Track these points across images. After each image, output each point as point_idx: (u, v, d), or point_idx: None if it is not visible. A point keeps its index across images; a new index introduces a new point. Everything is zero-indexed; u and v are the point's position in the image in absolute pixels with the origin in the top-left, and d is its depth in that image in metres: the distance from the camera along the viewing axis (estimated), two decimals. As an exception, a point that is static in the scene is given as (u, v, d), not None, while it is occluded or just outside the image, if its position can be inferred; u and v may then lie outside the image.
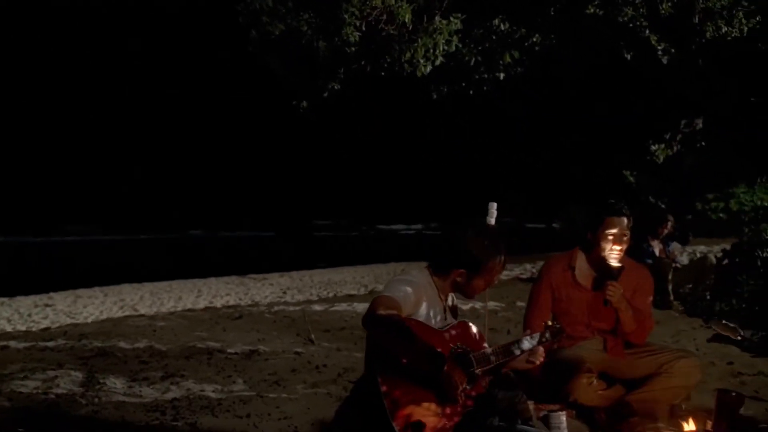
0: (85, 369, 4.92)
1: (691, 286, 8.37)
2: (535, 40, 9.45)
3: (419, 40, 8.34)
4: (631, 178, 9.65)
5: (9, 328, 8.23)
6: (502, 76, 10.21)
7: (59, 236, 33.17)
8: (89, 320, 8.60)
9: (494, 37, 9.26)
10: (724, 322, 6.05)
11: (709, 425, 3.14)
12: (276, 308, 8.15)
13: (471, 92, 10.60)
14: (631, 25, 9.84)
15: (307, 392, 4.46)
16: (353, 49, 8.75)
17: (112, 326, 6.79)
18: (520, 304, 7.88)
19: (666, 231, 8.58)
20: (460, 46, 8.95)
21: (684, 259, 9.15)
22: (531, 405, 3.54)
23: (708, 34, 9.31)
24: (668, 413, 3.50)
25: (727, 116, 9.98)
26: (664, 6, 9.30)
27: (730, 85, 9.65)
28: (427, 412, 2.63)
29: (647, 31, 9.83)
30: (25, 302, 10.91)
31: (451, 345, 2.85)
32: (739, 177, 11.96)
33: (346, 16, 8.11)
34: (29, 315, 9.62)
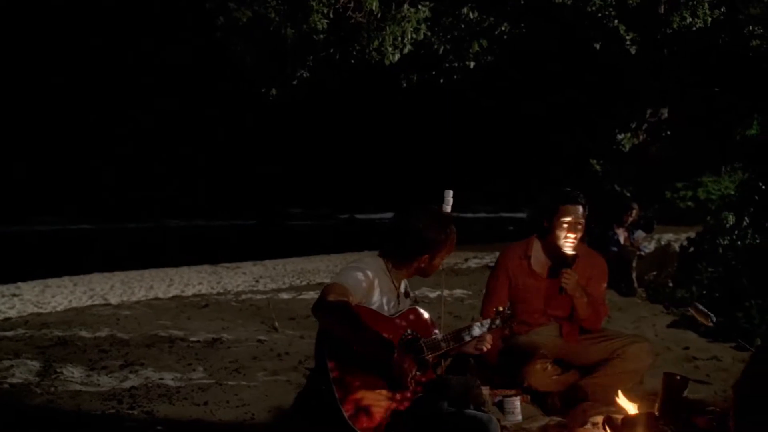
0: (43, 358, 4.87)
1: (655, 273, 8.50)
2: (503, 28, 9.48)
3: (387, 28, 8.31)
4: (598, 167, 9.75)
5: (-28, 319, 8.11)
6: (472, 64, 10.21)
7: (29, 226, 32.74)
8: (58, 309, 8.51)
9: (463, 26, 9.26)
10: (701, 307, 6.12)
11: (655, 408, 3.20)
12: (243, 297, 8.13)
13: (441, 81, 10.59)
14: (599, 14, 9.90)
15: (266, 380, 4.46)
16: (321, 36, 8.70)
17: (75, 315, 6.73)
18: (487, 292, 7.93)
19: (631, 219, 8.69)
20: (429, 34, 8.94)
21: (649, 247, 9.29)
22: (486, 390, 3.60)
23: (675, 24, 9.40)
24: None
25: (692, 106, 10.12)
26: (631, -5, 9.38)
27: (695, 75, 9.77)
28: (377, 398, 2.65)
29: (616, 21, 9.89)
30: (-9, 292, 10.76)
31: (402, 332, 2.87)
32: (704, 166, 12.14)
33: (313, 3, 8.06)
34: (-5, 305, 9.49)
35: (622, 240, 8.51)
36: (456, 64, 10.16)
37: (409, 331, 2.89)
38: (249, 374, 4.60)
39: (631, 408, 3.27)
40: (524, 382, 3.76)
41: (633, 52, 9.92)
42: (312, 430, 2.80)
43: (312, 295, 8.17)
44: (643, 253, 8.57)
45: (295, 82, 9.90)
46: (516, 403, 3.62)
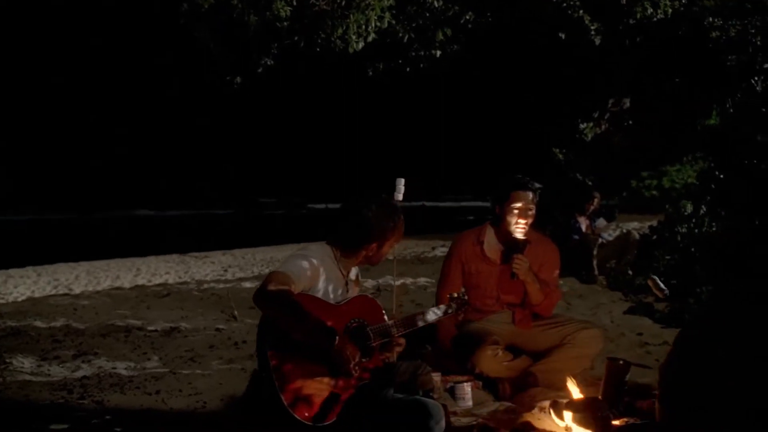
0: (-7, 349, 4.80)
1: (615, 261, 8.61)
2: (468, 17, 9.47)
3: (351, 16, 8.24)
4: (561, 156, 9.86)
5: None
6: (438, 53, 10.18)
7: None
8: (18, 300, 8.36)
9: (428, 14, 9.22)
10: (658, 281, 6.22)
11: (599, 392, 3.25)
12: (206, 286, 8.07)
13: (408, 69, 10.56)
14: (564, 4, 9.94)
15: (221, 368, 4.45)
16: (285, 24, 8.60)
17: (32, 305, 6.64)
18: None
19: (593, 207, 8.78)
20: (394, 22, 8.89)
21: (610, 235, 9.41)
22: (438, 377, 3.62)
23: (638, 15, 9.47)
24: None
25: (654, 96, 10.25)
26: (595, -15, 9.42)
27: (657, 65, 9.88)
28: (318, 386, 2.66)
29: (581, 11, 9.94)
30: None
31: (348, 319, 2.88)
32: (668, 156, 12.31)
33: (276, -10, 7.97)
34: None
35: (584, 228, 8.59)
36: (422, 53, 10.12)
37: (355, 318, 2.90)
38: (204, 363, 4.57)
39: (577, 393, 3.33)
40: (475, 369, 3.80)
41: (597, 42, 9.97)
42: (259, 418, 2.80)
43: (276, 284, 8.12)
44: (604, 241, 8.67)
45: (260, 70, 9.78)
46: (467, 389, 3.66)
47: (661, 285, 6.16)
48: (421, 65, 10.57)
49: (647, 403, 3.22)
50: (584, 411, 3.01)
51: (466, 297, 3.46)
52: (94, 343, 5.04)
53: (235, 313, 6.09)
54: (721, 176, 7.97)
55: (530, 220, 3.89)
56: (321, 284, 2.87)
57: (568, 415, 3.05)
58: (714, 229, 7.38)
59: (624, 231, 8.91)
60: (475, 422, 3.25)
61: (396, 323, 3.06)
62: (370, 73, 10.42)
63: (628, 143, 10.73)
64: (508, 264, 3.85)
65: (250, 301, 7.00)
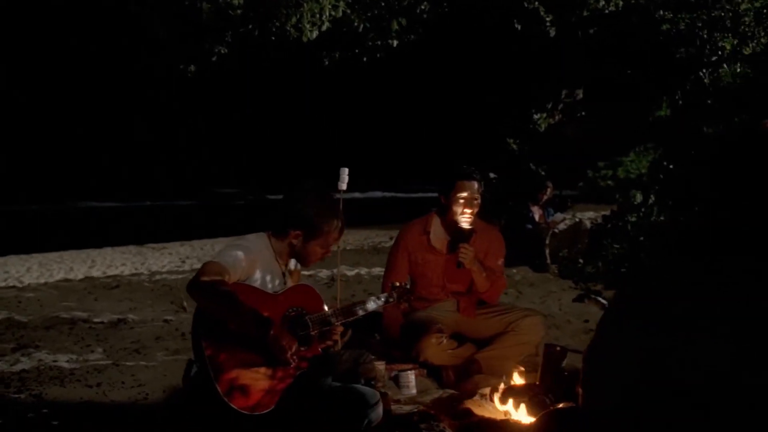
0: (-72, 344, 4.66)
1: (566, 250, 8.74)
2: (423, 7, 9.47)
3: (305, 4, 8.18)
4: (514, 146, 9.95)
5: None
6: (395, 43, 10.17)
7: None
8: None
9: (383, 3, 9.21)
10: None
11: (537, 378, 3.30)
12: (158, 277, 7.96)
13: (365, 59, 10.53)
14: (520, -5, 10.01)
15: (166, 359, 4.39)
16: (239, 12, 8.50)
17: (-26, 299, 6.46)
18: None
19: (546, 197, 8.91)
20: (349, 11, 8.85)
21: (566, 225, 9.54)
22: (382, 365, 3.63)
23: (591, 6, 9.58)
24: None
25: (606, 87, 10.41)
26: (549, -23, 9.51)
27: (609, 57, 10.03)
28: (254, 375, 2.64)
29: (536, 2, 10.03)
30: None
31: (286, 308, 2.85)
32: (623, 146, 12.49)
33: (228, -23, 7.87)
34: None
35: (537, 218, 8.71)
36: (378, 43, 10.10)
37: (293, 308, 2.88)
38: (149, 354, 4.51)
39: (518, 379, 3.37)
40: (420, 357, 3.82)
41: (552, 33, 10.07)
42: (198, 409, 2.77)
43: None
44: (557, 231, 8.80)
45: (214, 59, 9.65)
46: (411, 377, 3.68)
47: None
48: (378, 55, 10.55)
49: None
50: (523, 397, 3.06)
51: (408, 286, 3.46)
52: (35, 335, 4.93)
53: (185, 303, 6.01)
54: (670, 167, 8.14)
55: (476, 210, 3.91)
56: (258, 274, 2.84)
57: (507, 400, 3.10)
58: (662, 218, 7.54)
59: (577, 220, 9.07)
60: (416, 410, 3.27)
61: (335, 312, 3.04)
62: (326, 62, 10.36)
63: (581, 134, 10.87)
64: (454, 253, 3.86)
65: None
